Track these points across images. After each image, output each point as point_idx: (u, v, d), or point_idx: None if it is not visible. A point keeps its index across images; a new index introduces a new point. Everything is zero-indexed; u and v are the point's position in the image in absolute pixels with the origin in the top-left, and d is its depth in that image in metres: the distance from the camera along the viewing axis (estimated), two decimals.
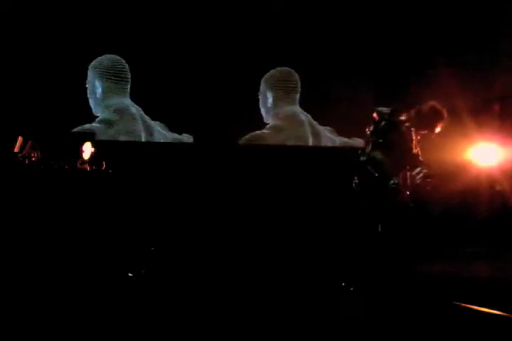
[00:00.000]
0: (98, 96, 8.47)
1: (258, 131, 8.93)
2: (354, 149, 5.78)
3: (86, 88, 8.36)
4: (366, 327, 4.03)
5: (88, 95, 8.40)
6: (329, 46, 8.56)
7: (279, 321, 4.15)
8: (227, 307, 4.41)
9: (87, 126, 8.29)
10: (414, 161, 5.31)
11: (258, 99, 8.91)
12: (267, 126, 9.00)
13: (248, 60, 8.37)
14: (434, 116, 5.34)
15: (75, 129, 8.12)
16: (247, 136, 8.84)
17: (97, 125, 8.39)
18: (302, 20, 8.52)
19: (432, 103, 5.38)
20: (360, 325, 4.06)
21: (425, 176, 5.32)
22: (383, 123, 5.30)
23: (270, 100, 9.01)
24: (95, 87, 8.42)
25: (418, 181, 5.28)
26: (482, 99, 8.06)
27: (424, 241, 5.93)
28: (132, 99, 8.55)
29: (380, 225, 5.13)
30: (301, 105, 9.05)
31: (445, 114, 5.37)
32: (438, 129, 5.39)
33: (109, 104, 8.49)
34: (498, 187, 7.47)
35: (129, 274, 5.15)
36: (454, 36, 8.15)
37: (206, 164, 7.86)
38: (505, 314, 4.14)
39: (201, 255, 5.87)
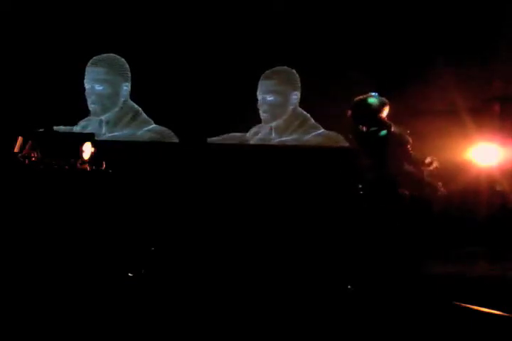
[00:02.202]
0: (123, 98, 8.46)
1: (330, 132, 8.80)
2: (355, 150, 5.75)
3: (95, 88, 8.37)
4: (366, 327, 4.03)
5: (107, 97, 8.37)
6: (328, 45, 8.55)
7: (280, 322, 4.15)
8: (228, 308, 4.41)
9: (157, 128, 8.33)
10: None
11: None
12: (310, 125, 8.85)
13: (246, 58, 8.37)
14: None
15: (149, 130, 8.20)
16: (321, 139, 8.75)
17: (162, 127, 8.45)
18: (300, 20, 8.51)
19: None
20: (361, 325, 4.06)
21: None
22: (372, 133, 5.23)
23: (296, 101, 8.92)
24: (122, 88, 8.41)
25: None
26: (482, 99, 8.06)
27: (424, 241, 5.92)
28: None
29: (381, 226, 5.13)
30: (301, 105, 9.04)
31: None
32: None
33: (132, 105, 8.51)
34: (498, 187, 7.47)
35: (129, 274, 5.15)
36: (454, 36, 8.14)
37: (206, 164, 7.86)
38: (505, 314, 4.14)
39: (201, 255, 5.87)
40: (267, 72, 8.87)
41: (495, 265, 5.90)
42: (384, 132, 5.15)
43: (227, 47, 8.35)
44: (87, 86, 8.41)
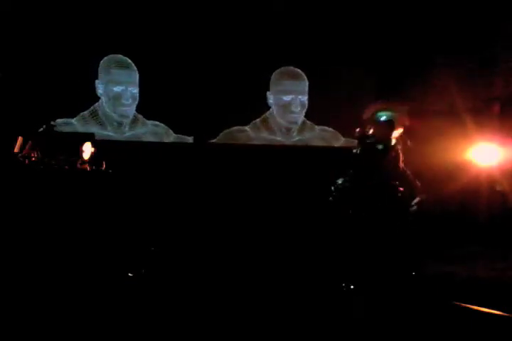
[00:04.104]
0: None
1: (325, 127, 8.88)
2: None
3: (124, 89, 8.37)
4: (366, 327, 4.03)
5: (137, 99, 8.38)
6: (328, 46, 8.56)
7: (279, 321, 4.15)
8: (228, 308, 4.41)
9: (158, 123, 8.41)
10: (409, 185, 5.37)
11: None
12: (309, 124, 8.89)
13: (248, 57, 8.36)
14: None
15: None
16: (328, 134, 8.82)
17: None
18: (302, 20, 8.51)
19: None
20: (361, 325, 4.06)
21: (420, 203, 5.39)
22: (368, 142, 5.35)
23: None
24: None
25: (414, 209, 5.35)
26: (482, 99, 8.06)
27: (424, 242, 5.93)
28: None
29: (380, 226, 5.14)
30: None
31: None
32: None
33: None
34: (498, 187, 7.47)
35: (129, 274, 5.15)
36: (454, 36, 8.15)
37: (206, 164, 7.86)
38: (505, 314, 4.14)
39: (201, 255, 5.87)
40: (293, 71, 8.83)
41: (495, 265, 5.90)
42: (381, 146, 5.32)
43: (225, 47, 8.35)
44: (118, 88, 8.29)
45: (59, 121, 7.99)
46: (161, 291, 4.81)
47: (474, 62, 8.00)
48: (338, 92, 8.65)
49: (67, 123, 8.12)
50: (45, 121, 7.31)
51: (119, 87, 8.32)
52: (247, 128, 8.76)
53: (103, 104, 8.35)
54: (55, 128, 6.90)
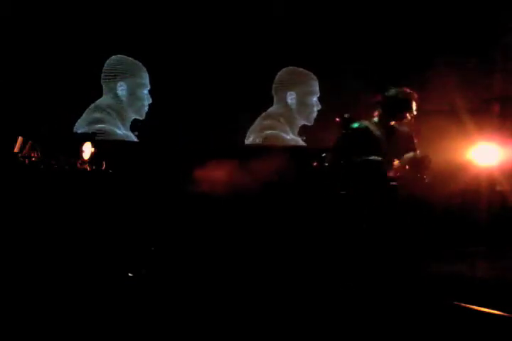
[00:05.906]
0: None
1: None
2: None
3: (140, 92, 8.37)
4: (366, 327, 4.03)
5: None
6: (329, 44, 8.56)
7: (279, 322, 4.15)
8: (228, 308, 4.41)
9: None
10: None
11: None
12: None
13: (248, 58, 8.37)
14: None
15: None
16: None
17: None
18: (301, 21, 8.52)
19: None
20: (360, 325, 4.06)
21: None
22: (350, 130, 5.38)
23: None
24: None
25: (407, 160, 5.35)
26: (482, 99, 8.06)
27: (424, 241, 5.93)
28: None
29: (378, 226, 5.14)
30: None
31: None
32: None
33: None
34: (498, 187, 7.46)
35: (129, 274, 5.15)
36: (454, 36, 8.16)
37: (206, 164, 7.86)
38: (505, 314, 4.14)
39: (201, 255, 5.87)
40: (311, 73, 8.94)
41: (495, 265, 5.90)
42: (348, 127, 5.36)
43: (225, 49, 8.36)
44: (147, 91, 8.38)
45: (99, 127, 8.02)
46: (161, 291, 4.81)
47: (474, 62, 8.00)
48: (338, 92, 8.66)
49: (109, 130, 8.15)
50: (46, 121, 7.33)
51: (146, 90, 8.40)
52: (281, 132, 8.85)
53: (121, 105, 8.33)
54: (97, 137, 6.97)
